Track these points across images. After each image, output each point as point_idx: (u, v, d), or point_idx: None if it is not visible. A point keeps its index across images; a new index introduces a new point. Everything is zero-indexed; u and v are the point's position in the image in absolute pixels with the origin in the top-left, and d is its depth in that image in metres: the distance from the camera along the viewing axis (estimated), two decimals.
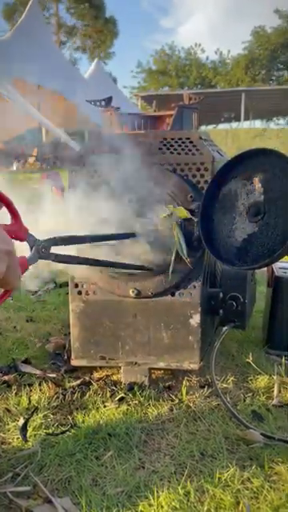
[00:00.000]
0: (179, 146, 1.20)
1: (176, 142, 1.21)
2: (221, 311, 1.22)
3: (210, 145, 1.28)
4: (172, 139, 1.21)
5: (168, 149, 1.20)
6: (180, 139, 1.21)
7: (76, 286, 1.19)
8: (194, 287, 1.14)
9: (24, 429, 0.97)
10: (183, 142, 1.20)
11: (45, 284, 2.09)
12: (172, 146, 1.21)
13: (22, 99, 11.45)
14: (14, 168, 11.46)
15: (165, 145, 1.21)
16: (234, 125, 22.77)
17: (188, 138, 1.21)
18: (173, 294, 1.15)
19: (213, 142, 1.36)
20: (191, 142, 1.20)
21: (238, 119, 21.74)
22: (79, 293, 1.19)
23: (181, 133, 1.23)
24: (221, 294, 1.21)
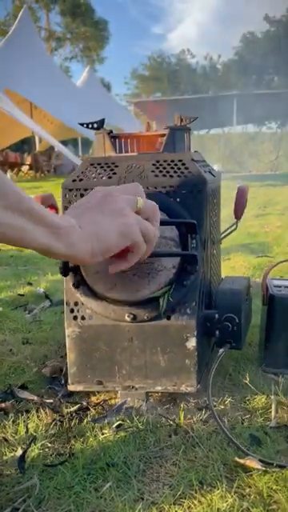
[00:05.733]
0: (172, 168, 1.21)
1: (169, 164, 1.21)
2: (217, 332, 1.22)
3: (202, 166, 1.28)
4: (165, 161, 1.21)
5: (161, 171, 1.20)
6: (172, 161, 1.21)
7: (72, 311, 1.19)
8: (190, 310, 1.14)
9: (22, 460, 0.96)
10: (176, 165, 1.21)
11: (40, 302, 2.09)
12: (165, 168, 1.21)
13: (15, 108, 11.48)
14: (8, 177, 11.50)
15: (157, 167, 1.21)
16: (227, 129, 22.88)
17: (180, 160, 1.21)
18: (168, 318, 1.14)
19: (206, 163, 1.37)
20: (183, 164, 1.20)
21: (230, 124, 21.87)
22: (75, 318, 1.19)
23: (173, 155, 1.23)
24: (216, 316, 1.21)
